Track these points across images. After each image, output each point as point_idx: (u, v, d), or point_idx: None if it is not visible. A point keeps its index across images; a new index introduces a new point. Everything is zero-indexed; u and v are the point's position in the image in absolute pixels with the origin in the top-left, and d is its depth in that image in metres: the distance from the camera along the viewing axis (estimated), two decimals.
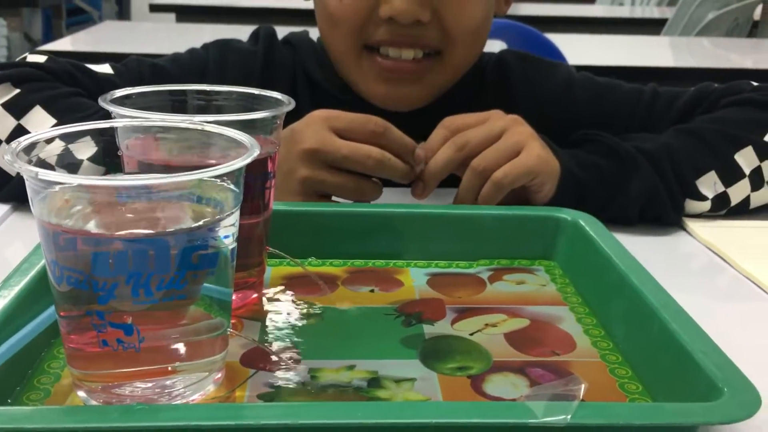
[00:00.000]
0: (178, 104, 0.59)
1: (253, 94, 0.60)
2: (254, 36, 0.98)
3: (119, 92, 0.56)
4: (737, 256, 0.75)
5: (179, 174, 0.41)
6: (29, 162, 0.45)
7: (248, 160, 0.44)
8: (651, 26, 3.19)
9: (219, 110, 0.59)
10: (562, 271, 0.67)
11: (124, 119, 0.51)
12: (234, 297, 0.55)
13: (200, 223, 0.44)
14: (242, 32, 1.02)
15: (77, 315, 0.43)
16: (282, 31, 0.99)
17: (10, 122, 0.77)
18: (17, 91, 0.79)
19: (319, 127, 0.74)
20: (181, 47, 0.98)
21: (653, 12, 3.80)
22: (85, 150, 0.50)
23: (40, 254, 0.52)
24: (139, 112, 0.52)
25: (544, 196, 0.77)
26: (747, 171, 0.83)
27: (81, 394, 0.45)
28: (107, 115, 0.53)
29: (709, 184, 0.82)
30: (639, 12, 3.90)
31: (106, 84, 0.85)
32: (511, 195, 0.75)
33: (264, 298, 0.60)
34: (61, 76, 0.84)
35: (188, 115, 0.52)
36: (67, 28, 4.27)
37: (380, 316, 0.59)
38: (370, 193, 0.75)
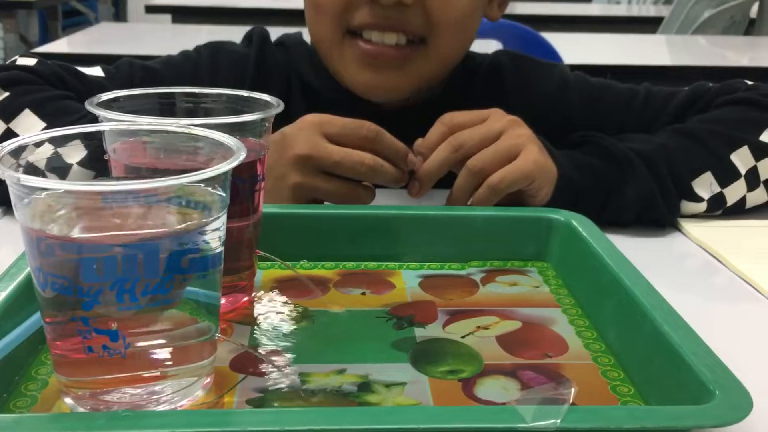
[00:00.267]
0: (166, 107, 0.59)
1: (242, 96, 0.59)
2: (247, 38, 0.97)
3: (107, 95, 0.56)
4: (732, 257, 0.74)
5: (164, 178, 0.41)
6: (18, 166, 0.44)
7: (235, 164, 0.44)
8: (647, 24, 3.19)
9: (208, 113, 0.59)
10: (555, 272, 0.67)
11: (110, 123, 0.51)
12: (224, 301, 0.55)
13: (183, 225, 0.43)
14: (238, 33, 1.02)
15: (62, 321, 0.43)
16: (277, 32, 0.99)
17: None
18: (6, 94, 0.79)
19: (311, 133, 0.73)
20: (178, 48, 0.97)
21: (649, 10, 3.80)
22: (74, 154, 0.49)
23: None
24: (126, 115, 0.52)
25: (540, 200, 0.77)
26: (743, 171, 0.82)
27: (68, 401, 0.45)
28: (96, 119, 0.52)
29: (705, 185, 0.82)
30: (635, 10, 3.91)
31: (96, 87, 0.85)
32: (506, 198, 0.74)
33: (254, 302, 0.60)
34: (50, 79, 0.83)
35: (176, 119, 0.51)
36: (63, 30, 4.26)
37: (372, 319, 0.58)
38: (363, 199, 0.75)
